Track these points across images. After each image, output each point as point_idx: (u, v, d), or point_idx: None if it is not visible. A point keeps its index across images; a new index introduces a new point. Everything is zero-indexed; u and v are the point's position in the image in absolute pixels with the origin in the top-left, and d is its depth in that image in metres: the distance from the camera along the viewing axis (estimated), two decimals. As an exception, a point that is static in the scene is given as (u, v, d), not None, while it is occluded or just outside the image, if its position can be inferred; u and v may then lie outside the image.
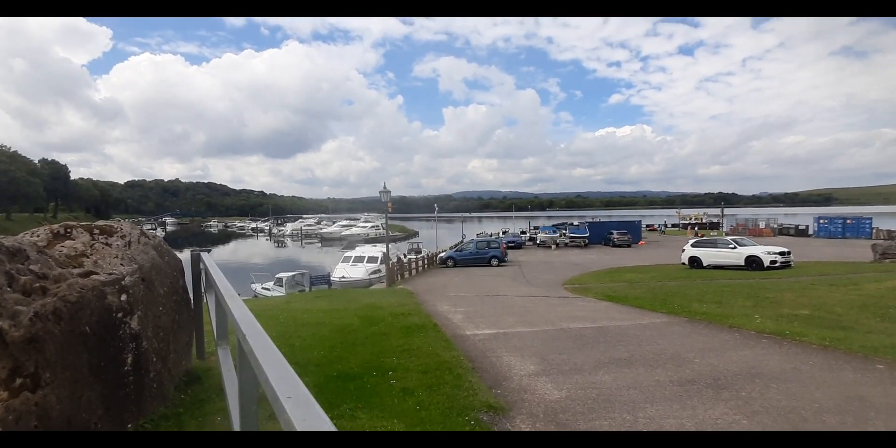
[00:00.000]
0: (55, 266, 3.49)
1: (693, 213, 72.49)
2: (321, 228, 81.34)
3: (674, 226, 67.98)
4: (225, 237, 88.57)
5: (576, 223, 51.76)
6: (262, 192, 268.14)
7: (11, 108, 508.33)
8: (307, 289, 22.34)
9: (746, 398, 4.38)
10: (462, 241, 38.54)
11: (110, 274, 3.85)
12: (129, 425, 3.65)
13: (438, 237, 46.43)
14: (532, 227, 61.20)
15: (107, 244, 4.18)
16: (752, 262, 18.55)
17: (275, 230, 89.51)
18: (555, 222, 62.53)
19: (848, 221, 41.25)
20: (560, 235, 40.69)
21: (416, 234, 77.03)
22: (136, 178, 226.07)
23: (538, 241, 42.44)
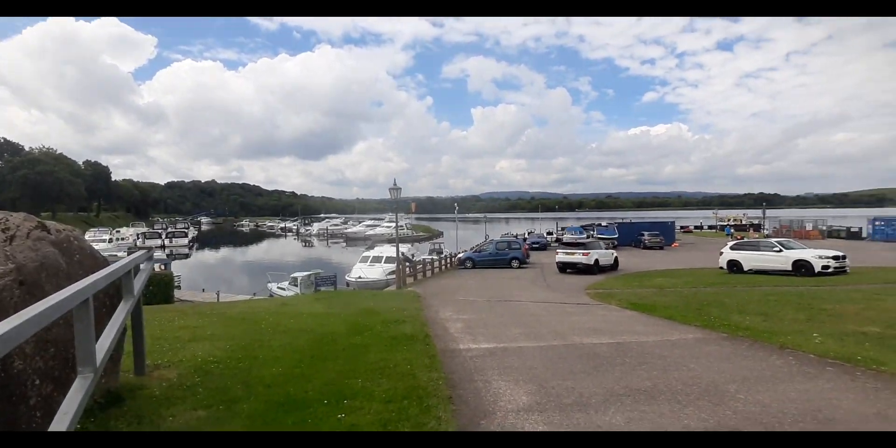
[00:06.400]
0: None
1: (732, 215, 68.65)
2: (346, 228, 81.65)
3: (710, 228, 64.46)
4: (256, 237, 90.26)
5: (604, 224, 49.82)
6: (293, 192, 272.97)
7: (64, 113, 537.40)
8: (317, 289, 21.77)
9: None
10: (484, 242, 37.39)
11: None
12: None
13: (463, 238, 45.52)
14: (559, 229, 59.57)
15: (-28, 239, 3.38)
16: (801, 267, 16.65)
17: (302, 230, 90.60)
18: (584, 223, 60.61)
19: (909, 223, 37.67)
20: (587, 237, 39.06)
21: (440, 234, 76.16)
22: (176, 180, 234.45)
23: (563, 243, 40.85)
